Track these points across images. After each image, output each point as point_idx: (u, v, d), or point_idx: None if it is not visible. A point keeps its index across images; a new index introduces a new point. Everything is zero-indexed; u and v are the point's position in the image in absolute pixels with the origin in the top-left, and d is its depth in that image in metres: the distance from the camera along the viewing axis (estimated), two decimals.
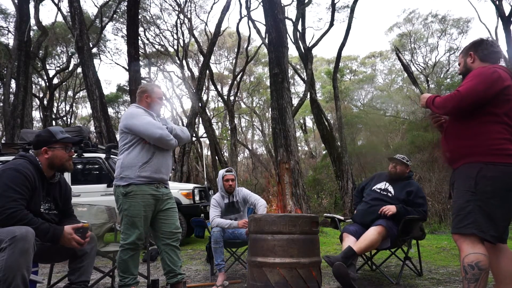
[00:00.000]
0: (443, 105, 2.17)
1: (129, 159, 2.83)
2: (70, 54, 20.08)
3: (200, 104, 16.21)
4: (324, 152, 21.23)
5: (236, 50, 19.45)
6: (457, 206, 2.11)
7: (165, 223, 2.96)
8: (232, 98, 21.16)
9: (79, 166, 6.62)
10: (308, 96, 13.67)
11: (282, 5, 8.66)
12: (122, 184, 2.82)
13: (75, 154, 6.49)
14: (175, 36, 20.82)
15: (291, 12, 32.71)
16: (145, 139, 2.82)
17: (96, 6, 25.13)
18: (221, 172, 4.01)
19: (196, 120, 18.33)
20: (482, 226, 2.02)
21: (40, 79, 21.91)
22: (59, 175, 2.54)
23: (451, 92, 2.15)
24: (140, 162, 2.82)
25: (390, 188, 3.61)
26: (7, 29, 18.22)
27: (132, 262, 2.84)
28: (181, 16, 19.68)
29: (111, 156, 6.78)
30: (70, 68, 20.33)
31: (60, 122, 22.75)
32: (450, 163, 2.27)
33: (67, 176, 6.54)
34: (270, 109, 9.25)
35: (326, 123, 14.06)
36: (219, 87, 23.04)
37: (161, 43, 21.84)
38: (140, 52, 14.77)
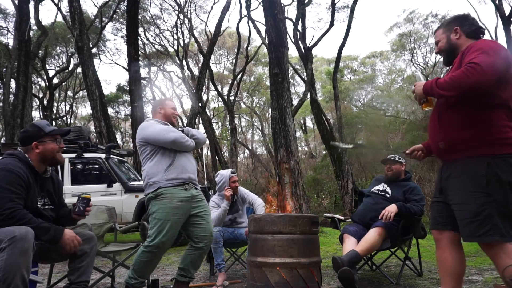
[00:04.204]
0: (457, 84, 1.80)
1: (153, 166, 2.83)
2: (70, 54, 20.09)
3: (200, 104, 16.21)
4: (324, 152, 21.23)
5: (236, 50, 19.45)
6: (471, 211, 1.85)
7: (199, 227, 2.91)
8: (232, 98, 21.16)
9: (79, 166, 6.63)
10: (308, 96, 13.66)
11: (282, 5, 8.65)
12: (150, 190, 2.80)
13: (75, 154, 6.50)
14: (175, 36, 20.84)
15: (291, 12, 32.72)
16: (163, 146, 2.83)
17: (96, 6, 25.11)
18: (226, 174, 3.95)
19: (196, 120, 18.33)
20: (502, 230, 1.83)
21: (40, 79, 21.91)
22: (51, 170, 2.52)
23: (462, 69, 1.79)
24: (165, 166, 2.81)
25: (388, 189, 3.63)
26: (7, 29, 18.23)
27: (148, 266, 2.80)
28: (181, 16, 19.69)
29: (111, 156, 6.78)
30: (70, 68, 20.33)
31: (60, 122, 22.75)
32: (443, 155, 2.02)
33: (67, 176, 6.54)
34: (270, 109, 9.26)
35: (326, 123, 14.05)
36: (219, 87, 23.04)
37: (161, 43, 21.87)
38: (140, 52, 14.78)
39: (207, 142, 20.08)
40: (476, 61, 1.78)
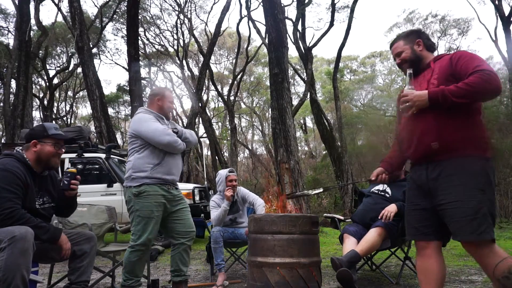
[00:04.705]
0: (478, 90, 1.80)
1: (140, 160, 2.83)
2: (70, 54, 20.11)
3: (200, 104, 16.22)
4: (324, 152, 21.23)
5: (236, 50, 19.47)
6: (472, 207, 1.85)
7: (179, 223, 2.96)
8: (232, 98, 21.18)
9: (79, 166, 6.62)
10: (308, 96, 13.68)
11: (282, 5, 8.66)
12: (133, 184, 2.80)
13: (75, 154, 6.50)
14: (175, 36, 20.87)
15: (291, 12, 32.71)
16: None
17: (96, 6, 25.15)
18: (224, 172, 3.97)
19: (196, 120, 18.33)
20: (492, 228, 1.85)
21: (40, 79, 21.93)
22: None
23: (478, 75, 1.81)
24: (152, 163, 2.82)
25: (388, 190, 3.62)
26: (7, 29, 18.26)
27: (139, 264, 2.83)
28: (181, 16, 19.71)
29: (111, 156, 6.78)
30: (70, 68, 20.35)
31: (60, 122, 22.76)
32: (432, 155, 1.97)
33: None
34: (270, 109, 9.27)
35: (326, 123, 14.07)
36: (219, 87, 23.05)
37: (161, 43, 21.88)
38: (140, 52, 14.78)
39: (207, 142, 20.10)
40: (487, 68, 1.82)
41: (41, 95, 21.95)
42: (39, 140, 2.38)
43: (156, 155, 2.84)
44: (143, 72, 20.55)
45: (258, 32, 14.47)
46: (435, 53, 2.18)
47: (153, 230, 2.79)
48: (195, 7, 22.29)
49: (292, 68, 17.98)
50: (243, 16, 16.24)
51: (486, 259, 1.85)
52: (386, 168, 2.31)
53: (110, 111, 21.39)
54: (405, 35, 2.18)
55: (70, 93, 24.31)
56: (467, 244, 1.91)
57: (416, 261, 2.13)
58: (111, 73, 63.79)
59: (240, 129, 28.11)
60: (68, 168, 2.56)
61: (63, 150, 2.50)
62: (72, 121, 24.99)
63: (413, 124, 2.02)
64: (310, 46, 14.07)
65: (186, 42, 20.37)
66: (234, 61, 20.70)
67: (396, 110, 2.39)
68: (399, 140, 2.22)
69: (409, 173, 3.77)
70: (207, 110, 21.28)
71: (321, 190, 3.11)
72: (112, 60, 30.95)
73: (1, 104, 14.39)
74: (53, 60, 22.08)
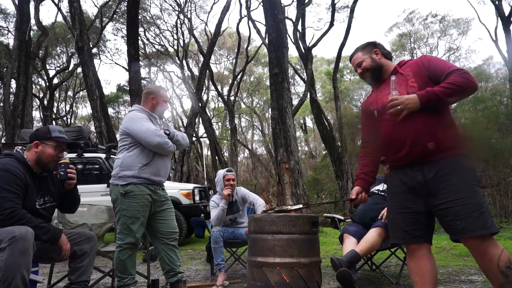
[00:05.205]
0: (465, 89, 1.90)
1: (129, 159, 2.84)
2: (70, 54, 20.11)
3: (200, 104, 16.21)
4: (324, 152, 21.24)
5: (236, 50, 19.47)
6: (477, 203, 1.88)
7: (163, 224, 2.98)
8: (232, 98, 21.18)
9: (79, 166, 6.62)
10: (308, 96, 13.68)
11: (282, 5, 8.67)
12: (120, 183, 2.82)
13: (75, 154, 6.50)
14: (175, 36, 20.88)
15: (291, 12, 32.73)
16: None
17: (96, 6, 25.20)
18: (222, 172, 4.00)
19: (196, 120, 18.33)
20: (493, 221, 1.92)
21: (40, 79, 21.92)
22: None
23: (459, 74, 1.91)
24: (140, 163, 2.83)
25: None
26: (7, 29, 18.26)
27: (130, 262, 2.85)
28: (181, 16, 19.71)
29: (111, 156, 6.78)
30: (70, 68, 20.35)
31: (60, 122, 22.77)
32: (428, 155, 1.97)
33: None
34: (270, 109, 9.27)
35: (326, 123, 14.07)
36: (219, 87, 23.06)
37: (161, 43, 21.89)
38: (140, 52, 14.77)
39: (207, 142, 20.09)
40: (461, 68, 1.95)
41: (41, 95, 21.94)
42: (41, 142, 2.39)
43: (145, 155, 2.85)
44: (143, 72, 20.58)
45: (258, 32, 14.47)
46: (435, 53, 2.24)
47: (139, 229, 2.83)
48: (195, 7, 22.37)
49: (292, 68, 17.99)
50: (243, 16, 16.26)
51: (490, 250, 1.86)
52: (363, 186, 2.28)
53: (110, 111, 21.42)
54: (362, 47, 2.28)
55: (70, 93, 24.32)
56: (473, 240, 1.90)
57: (407, 263, 2.13)
58: (111, 73, 63.79)
59: (240, 129, 28.13)
60: (61, 160, 2.52)
61: (64, 154, 2.50)
62: (72, 121, 25.01)
63: (404, 127, 2.00)
64: (310, 46, 14.08)
65: (186, 42, 20.38)
66: (234, 61, 20.72)
67: (363, 121, 2.34)
68: (379, 146, 2.20)
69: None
70: (207, 110, 21.29)
71: (301, 206, 3.16)
72: (112, 60, 31.04)
73: (1, 104, 14.38)
74: (53, 60, 22.09)
